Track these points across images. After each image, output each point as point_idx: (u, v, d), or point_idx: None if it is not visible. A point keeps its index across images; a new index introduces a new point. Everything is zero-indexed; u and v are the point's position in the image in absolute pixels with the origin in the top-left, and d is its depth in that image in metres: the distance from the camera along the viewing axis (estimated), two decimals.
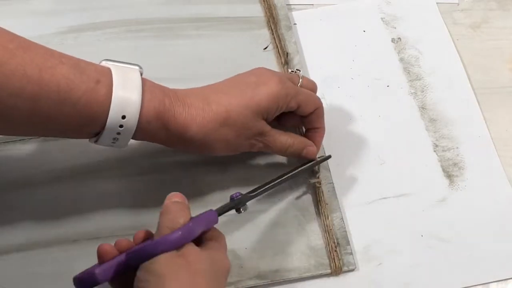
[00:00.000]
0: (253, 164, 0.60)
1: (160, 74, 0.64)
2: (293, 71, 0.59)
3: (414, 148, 0.63)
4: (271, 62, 0.66)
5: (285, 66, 0.65)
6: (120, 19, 0.68)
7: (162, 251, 0.44)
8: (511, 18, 0.73)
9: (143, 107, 0.48)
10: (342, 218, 0.58)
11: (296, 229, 0.58)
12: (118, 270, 0.46)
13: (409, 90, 0.67)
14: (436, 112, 0.65)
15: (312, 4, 0.72)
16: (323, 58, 0.68)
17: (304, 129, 0.60)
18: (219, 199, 0.58)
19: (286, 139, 0.56)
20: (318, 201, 0.59)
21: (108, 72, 0.48)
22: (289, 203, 0.59)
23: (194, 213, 0.57)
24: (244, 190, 0.55)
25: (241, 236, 0.57)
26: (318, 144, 0.58)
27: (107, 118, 0.47)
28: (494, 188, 0.62)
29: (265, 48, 0.67)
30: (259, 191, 0.54)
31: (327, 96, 0.65)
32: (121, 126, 0.48)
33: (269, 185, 0.55)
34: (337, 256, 0.56)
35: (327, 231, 0.57)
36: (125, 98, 0.48)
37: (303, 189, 0.60)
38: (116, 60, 0.50)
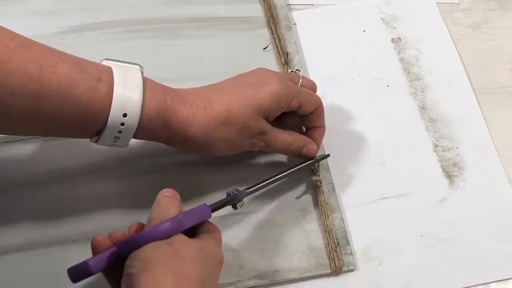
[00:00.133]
0: (253, 164, 0.60)
1: (160, 74, 0.64)
2: (293, 71, 0.59)
3: (414, 148, 0.63)
4: (271, 62, 0.66)
5: (285, 66, 0.65)
6: (120, 19, 0.68)
7: (151, 241, 0.44)
8: (511, 18, 0.73)
9: (144, 104, 0.49)
10: (342, 218, 0.58)
11: (296, 229, 0.58)
12: (111, 261, 0.46)
13: (409, 90, 0.67)
14: (436, 112, 0.65)
15: (312, 4, 0.72)
16: (323, 58, 0.68)
17: (304, 129, 0.60)
18: (219, 199, 0.58)
19: (286, 137, 0.56)
20: (318, 201, 0.59)
21: (109, 71, 0.48)
22: (289, 203, 0.59)
23: None
24: None
25: (241, 236, 0.57)
26: (318, 142, 0.58)
27: (108, 116, 0.47)
28: (494, 188, 0.62)
29: (265, 48, 0.67)
30: (256, 187, 0.54)
31: (327, 96, 0.65)
32: (122, 124, 0.48)
33: (266, 181, 0.55)
34: (337, 256, 0.56)
35: (327, 231, 0.57)
36: (126, 96, 0.48)
37: (303, 189, 0.60)
38: (116, 59, 0.50)
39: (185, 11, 0.69)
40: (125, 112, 0.48)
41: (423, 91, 0.67)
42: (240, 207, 0.53)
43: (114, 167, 0.59)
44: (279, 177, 0.56)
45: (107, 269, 0.47)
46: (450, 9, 0.73)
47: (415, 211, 0.60)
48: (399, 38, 0.70)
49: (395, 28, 0.71)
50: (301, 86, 0.57)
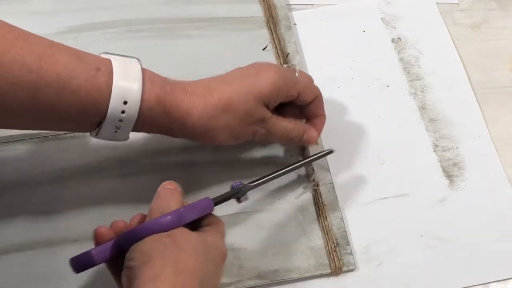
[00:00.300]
0: (255, 164, 0.60)
1: (160, 74, 0.64)
2: (288, 66, 0.59)
3: (414, 148, 0.63)
4: (270, 62, 0.66)
5: (284, 66, 0.65)
6: (120, 19, 0.68)
7: (151, 234, 0.44)
8: (511, 18, 0.73)
9: (144, 93, 0.48)
10: (342, 218, 0.58)
11: (296, 229, 0.58)
12: (114, 252, 0.46)
13: (409, 90, 0.67)
14: (436, 112, 0.65)
15: (312, 4, 0.72)
16: (323, 58, 0.68)
17: (305, 121, 0.60)
18: None
19: (287, 124, 0.56)
20: (318, 201, 0.59)
21: (108, 62, 0.48)
22: (289, 203, 0.59)
23: None
24: None
25: (241, 236, 0.57)
26: (319, 130, 0.58)
27: (108, 105, 0.47)
28: (494, 188, 0.62)
29: (264, 48, 0.67)
30: (260, 181, 0.54)
31: (327, 96, 0.65)
32: (123, 112, 0.48)
33: (271, 176, 0.55)
34: (337, 256, 0.56)
35: (327, 231, 0.57)
36: (126, 84, 0.48)
37: (303, 189, 0.60)
38: (115, 53, 0.50)
39: (185, 11, 0.69)
40: (125, 99, 0.47)
41: (423, 91, 0.67)
42: (244, 201, 0.53)
43: (114, 167, 0.59)
44: (283, 172, 0.56)
45: (110, 260, 0.47)
46: (450, 9, 0.73)
47: (415, 211, 0.60)
48: (399, 38, 0.70)
49: (395, 28, 0.71)
50: None
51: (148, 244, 0.44)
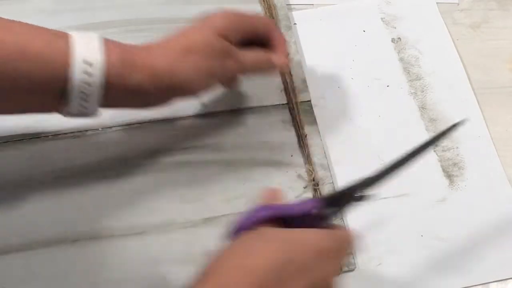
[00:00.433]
0: (255, 164, 0.60)
1: None
2: None
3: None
4: None
5: None
6: (120, 19, 0.68)
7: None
8: (511, 18, 0.73)
9: (106, 51, 0.48)
10: (342, 218, 0.58)
11: None
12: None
13: (409, 90, 0.67)
14: (436, 112, 0.65)
15: (312, 4, 0.72)
16: (323, 58, 0.68)
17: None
18: (219, 199, 0.58)
19: (254, 54, 0.56)
20: None
21: (64, 31, 0.48)
22: None
23: (193, 213, 0.58)
24: (244, 190, 0.55)
25: None
26: (283, 51, 0.57)
27: (70, 67, 0.46)
28: (494, 188, 0.62)
29: None
30: (387, 174, 0.50)
31: (327, 96, 0.65)
32: (87, 74, 0.47)
33: (395, 166, 0.50)
34: None
35: None
36: (86, 43, 0.47)
37: (303, 189, 0.60)
38: None
39: (185, 11, 0.69)
40: (87, 59, 0.47)
41: (423, 91, 0.67)
42: (365, 200, 0.48)
43: (114, 167, 0.59)
44: (416, 153, 0.50)
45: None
46: (450, 9, 0.73)
47: (415, 211, 0.60)
48: (399, 38, 0.70)
49: (395, 28, 0.71)
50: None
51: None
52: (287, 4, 0.71)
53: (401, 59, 0.69)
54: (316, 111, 0.64)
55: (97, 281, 0.53)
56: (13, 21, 0.47)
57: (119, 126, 0.61)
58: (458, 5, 0.74)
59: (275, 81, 0.65)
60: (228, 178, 0.59)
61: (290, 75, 0.65)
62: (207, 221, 0.57)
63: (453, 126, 0.52)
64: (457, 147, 0.63)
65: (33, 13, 0.68)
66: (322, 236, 0.45)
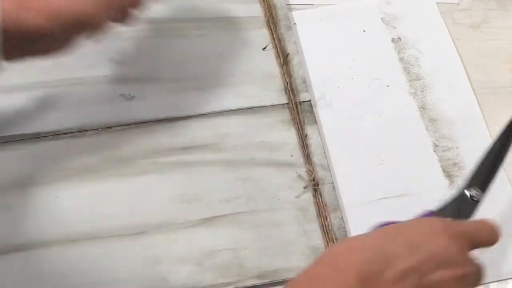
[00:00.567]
0: (255, 164, 0.60)
1: (160, 74, 0.64)
2: None
3: (414, 148, 0.63)
4: (270, 62, 0.66)
5: (284, 66, 0.65)
6: None
7: None
8: (511, 18, 0.73)
9: None
10: (342, 218, 0.58)
11: (296, 229, 0.58)
12: None
13: (409, 90, 0.67)
14: (436, 112, 0.65)
15: (312, 4, 0.72)
16: (323, 58, 0.68)
17: None
18: (219, 199, 0.58)
19: None
20: (318, 201, 0.59)
21: None
22: (289, 203, 0.59)
23: (193, 213, 0.58)
24: (244, 190, 0.55)
25: (241, 236, 0.57)
26: None
27: None
28: (494, 188, 0.61)
29: (264, 48, 0.67)
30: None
31: (327, 96, 0.65)
32: None
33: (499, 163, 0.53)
34: None
35: (327, 231, 0.57)
36: None
37: (303, 189, 0.60)
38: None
39: (185, 11, 0.69)
40: None
41: (423, 91, 0.67)
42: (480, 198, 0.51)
43: (114, 167, 0.59)
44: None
45: None
46: (450, 9, 0.73)
47: (415, 211, 0.60)
48: (399, 38, 0.70)
49: (395, 28, 0.71)
50: None
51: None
52: (287, 4, 0.71)
53: (401, 59, 0.69)
54: (316, 111, 0.64)
55: (97, 281, 0.53)
56: None
57: (119, 126, 0.61)
58: (458, 5, 0.74)
59: (275, 81, 0.65)
60: (228, 178, 0.59)
61: (290, 75, 0.65)
62: (207, 221, 0.57)
63: None
64: (457, 147, 0.63)
65: None
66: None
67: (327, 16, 0.71)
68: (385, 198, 0.60)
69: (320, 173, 0.60)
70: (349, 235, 0.58)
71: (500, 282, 0.57)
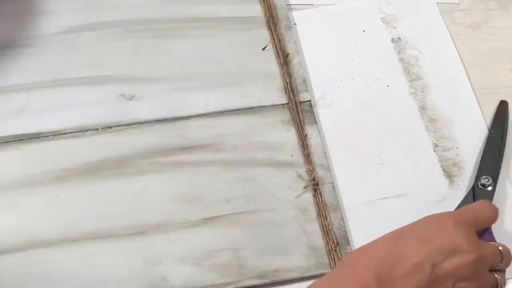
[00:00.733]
0: (255, 164, 0.60)
1: (160, 74, 0.64)
2: None
3: (414, 148, 0.63)
4: (270, 62, 0.66)
5: (284, 66, 0.65)
6: (120, 19, 0.68)
7: None
8: (511, 18, 0.73)
9: None
10: (342, 218, 0.58)
11: (296, 229, 0.58)
12: None
13: (409, 90, 0.67)
14: (436, 112, 0.65)
15: (312, 4, 0.72)
16: (323, 58, 0.68)
17: None
18: (219, 199, 0.58)
19: None
20: (318, 201, 0.59)
21: None
22: (289, 203, 0.59)
23: (193, 213, 0.58)
24: (244, 190, 0.55)
25: (241, 236, 0.57)
26: None
27: None
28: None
29: (264, 48, 0.67)
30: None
31: (327, 96, 0.65)
32: None
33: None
34: (337, 256, 0.56)
35: (327, 231, 0.57)
36: None
37: (303, 189, 0.60)
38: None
39: (185, 11, 0.69)
40: None
41: (423, 91, 0.67)
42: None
43: (114, 167, 0.59)
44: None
45: None
46: (450, 9, 0.73)
47: (415, 211, 0.60)
48: (399, 38, 0.70)
49: (395, 28, 0.71)
50: None
51: None
52: (287, 4, 0.71)
53: (401, 59, 0.69)
54: (316, 111, 0.64)
55: (97, 281, 0.53)
56: None
57: (119, 126, 0.61)
58: (458, 5, 0.74)
59: (275, 81, 0.65)
60: (228, 178, 0.59)
61: (290, 75, 0.65)
62: (207, 221, 0.57)
63: None
64: (457, 147, 0.63)
65: (34, 13, 0.67)
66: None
67: (327, 16, 0.71)
68: (385, 198, 0.60)
69: (320, 173, 0.60)
70: (349, 235, 0.58)
71: None
